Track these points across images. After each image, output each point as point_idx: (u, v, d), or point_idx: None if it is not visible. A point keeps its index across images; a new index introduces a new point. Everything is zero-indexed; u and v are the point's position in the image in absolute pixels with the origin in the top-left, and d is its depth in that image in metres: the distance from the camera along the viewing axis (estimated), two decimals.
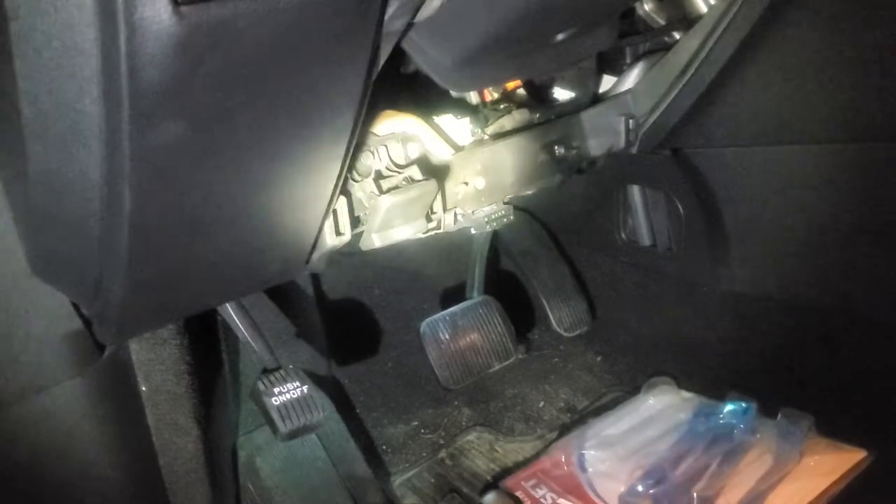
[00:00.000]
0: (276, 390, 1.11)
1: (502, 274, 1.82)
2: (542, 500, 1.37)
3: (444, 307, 1.69)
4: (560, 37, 1.08)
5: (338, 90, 0.79)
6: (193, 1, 0.58)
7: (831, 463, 1.32)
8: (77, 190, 0.72)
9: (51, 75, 0.65)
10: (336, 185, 0.96)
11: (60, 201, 0.74)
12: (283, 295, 1.56)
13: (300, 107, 0.75)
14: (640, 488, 1.34)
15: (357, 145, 0.94)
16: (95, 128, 0.66)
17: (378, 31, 0.75)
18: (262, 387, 1.11)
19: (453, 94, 1.24)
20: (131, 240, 0.75)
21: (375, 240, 1.12)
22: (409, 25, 0.87)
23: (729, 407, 1.48)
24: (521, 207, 1.85)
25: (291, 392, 1.11)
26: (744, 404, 1.46)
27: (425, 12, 0.86)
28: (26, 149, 0.71)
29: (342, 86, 0.78)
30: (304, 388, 1.12)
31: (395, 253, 1.87)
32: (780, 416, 1.41)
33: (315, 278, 1.71)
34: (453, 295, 1.83)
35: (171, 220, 0.77)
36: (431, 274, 1.91)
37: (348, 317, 1.82)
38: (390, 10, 0.75)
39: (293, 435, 1.11)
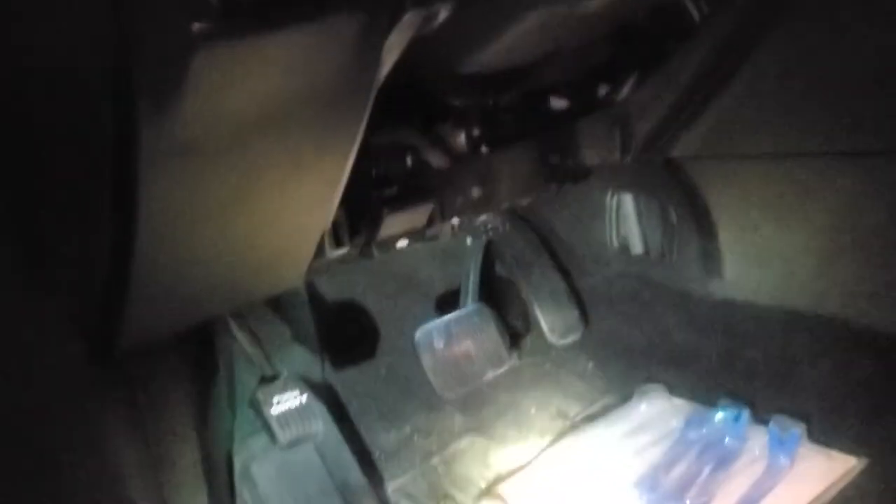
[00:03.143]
0: (275, 399, 1.11)
1: (495, 281, 1.83)
2: None
3: (437, 313, 1.70)
4: (568, 46, 1.08)
5: (343, 108, 0.79)
6: (211, 38, 0.58)
7: (823, 470, 1.34)
8: (86, 216, 0.73)
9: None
10: (337, 198, 0.96)
11: (72, 227, 0.75)
12: (276, 302, 1.56)
13: (307, 128, 0.76)
14: (633, 494, 1.36)
15: (357, 156, 0.95)
16: (110, 163, 0.67)
17: (381, 49, 0.76)
18: (261, 396, 1.12)
19: (452, 103, 1.24)
20: (139, 259, 0.75)
21: (375, 250, 1.13)
22: (413, 38, 0.87)
23: (720, 414, 1.49)
24: (514, 215, 1.86)
25: (290, 401, 1.12)
26: (735, 411, 1.47)
27: (430, 25, 0.86)
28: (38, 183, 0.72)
29: (347, 104, 0.79)
30: (303, 398, 1.13)
31: (387, 259, 1.89)
32: (771, 423, 1.42)
33: (309, 285, 1.71)
34: (446, 300, 1.84)
35: (177, 239, 0.78)
36: (424, 279, 1.91)
37: (341, 323, 1.82)
38: (395, 28, 0.76)
39: (292, 443, 1.12)
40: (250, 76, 0.65)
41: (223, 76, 0.63)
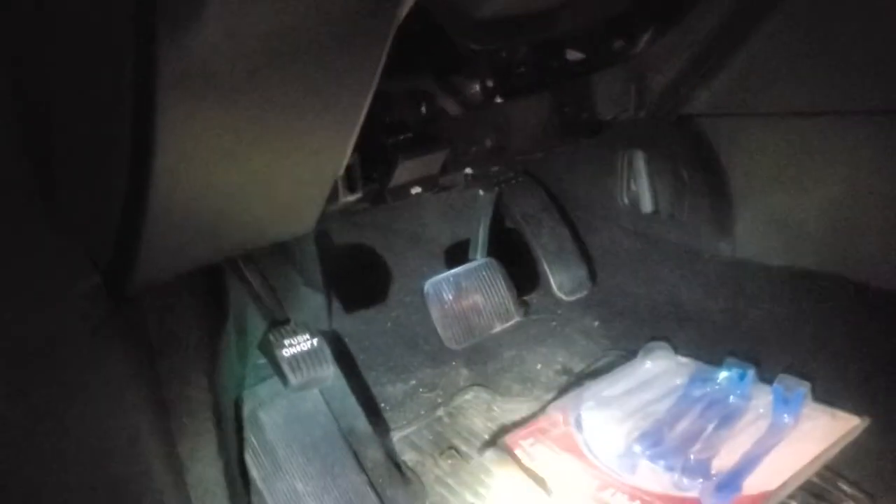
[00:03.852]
0: (286, 342, 1.12)
1: (504, 236, 1.83)
2: (539, 458, 1.39)
3: (444, 268, 1.70)
4: None
5: (362, 47, 0.79)
6: None
7: (826, 429, 1.34)
8: (104, 152, 0.72)
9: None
10: (352, 142, 0.96)
11: (87, 161, 0.75)
12: (287, 251, 1.57)
13: (326, 65, 0.76)
14: (636, 448, 1.36)
15: (372, 102, 0.95)
16: (128, 93, 0.67)
17: None
18: (272, 338, 1.12)
19: (468, 52, 1.23)
20: (156, 194, 0.75)
21: (388, 196, 1.13)
22: None
23: (725, 373, 1.50)
24: (525, 170, 1.85)
25: (301, 345, 1.12)
26: (741, 370, 1.48)
27: None
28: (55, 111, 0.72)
29: (366, 42, 0.78)
30: (314, 342, 1.13)
31: (396, 214, 1.89)
32: (776, 382, 1.43)
33: (319, 237, 1.71)
34: (453, 256, 1.85)
35: (194, 175, 0.78)
36: (431, 235, 1.92)
37: (348, 276, 1.83)
38: None
39: (302, 387, 1.12)
40: (270, 5, 0.64)
41: (243, 4, 0.62)
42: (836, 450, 1.31)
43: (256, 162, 0.84)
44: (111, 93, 0.72)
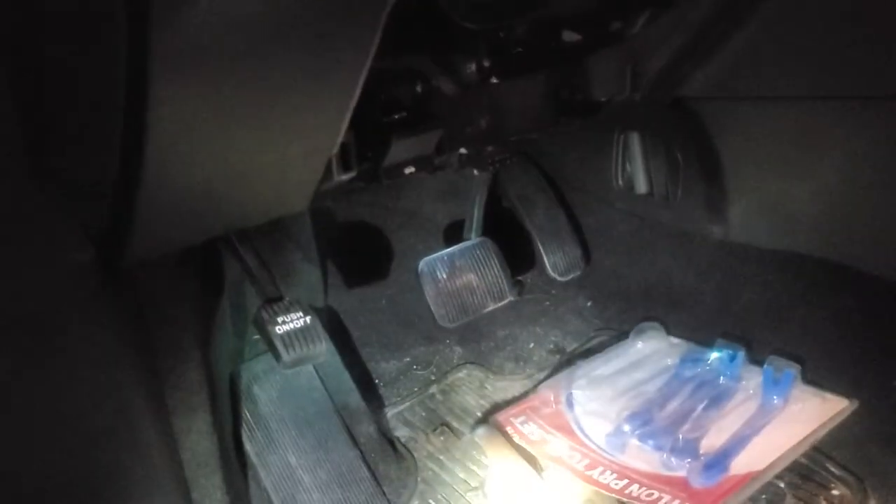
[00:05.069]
0: (279, 319, 1.12)
1: (499, 217, 1.83)
2: (530, 436, 1.40)
3: (440, 247, 1.71)
4: None
5: (356, 23, 0.79)
6: None
7: (815, 411, 1.36)
8: (99, 125, 0.73)
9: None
10: (346, 120, 0.96)
11: (82, 134, 0.75)
12: (283, 229, 1.57)
13: (319, 42, 0.76)
14: (626, 428, 1.37)
15: (367, 80, 0.95)
16: (121, 68, 0.67)
17: None
18: (265, 315, 1.12)
19: (464, 31, 1.23)
20: (149, 168, 0.76)
21: (382, 175, 1.13)
22: None
23: (716, 354, 1.51)
24: (521, 151, 1.85)
25: (294, 322, 1.13)
26: (731, 352, 1.49)
27: None
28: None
29: (360, 18, 0.78)
30: (307, 319, 1.13)
31: (391, 192, 1.89)
32: (766, 364, 1.44)
33: (314, 216, 1.72)
34: (449, 235, 1.86)
35: (187, 152, 0.78)
36: (428, 214, 1.92)
37: (343, 254, 1.83)
38: None
39: (295, 363, 1.13)
40: None
41: None
42: (825, 431, 1.33)
43: (249, 138, 0.85)
44: (105, 67, 0.72)
